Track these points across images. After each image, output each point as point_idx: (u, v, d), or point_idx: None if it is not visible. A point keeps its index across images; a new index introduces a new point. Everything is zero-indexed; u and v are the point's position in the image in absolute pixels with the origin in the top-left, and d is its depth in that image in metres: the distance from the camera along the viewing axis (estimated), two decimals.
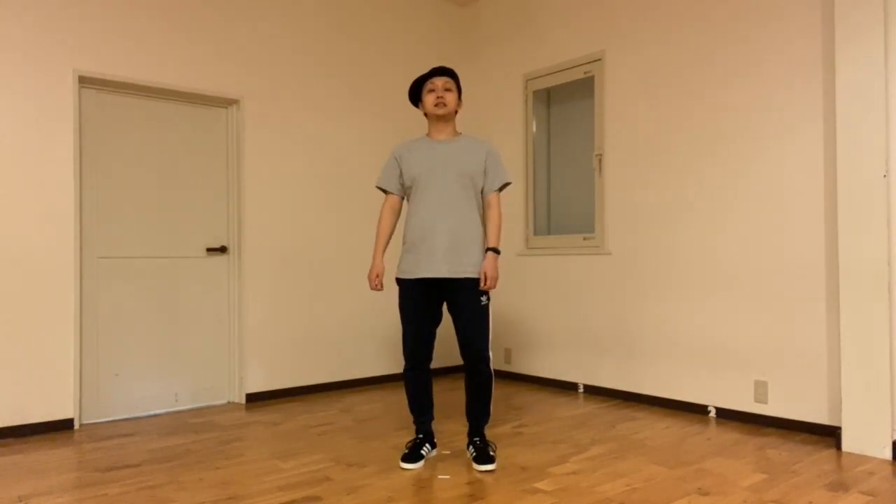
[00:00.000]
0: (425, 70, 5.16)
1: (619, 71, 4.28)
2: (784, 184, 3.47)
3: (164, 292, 3.98)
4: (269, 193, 4.31)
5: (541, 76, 4.83)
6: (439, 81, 2.90)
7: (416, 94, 3.00)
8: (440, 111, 2.88)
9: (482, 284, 2.84)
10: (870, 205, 3.01)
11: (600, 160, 4.41)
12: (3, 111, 3.37)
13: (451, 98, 2.90)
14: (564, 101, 4.84)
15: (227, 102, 4.23)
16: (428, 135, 2.98)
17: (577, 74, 4.58)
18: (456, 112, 2.97)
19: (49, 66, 3.50)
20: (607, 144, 4.36)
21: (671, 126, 3.99)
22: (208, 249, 4.17)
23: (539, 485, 2.62)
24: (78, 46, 3.59)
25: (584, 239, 4.51)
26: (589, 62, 4.48)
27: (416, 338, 2.90)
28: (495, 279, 2.86)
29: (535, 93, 4.92)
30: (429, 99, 2.90)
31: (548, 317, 4.72)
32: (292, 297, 4.41)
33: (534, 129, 4.93)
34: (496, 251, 2.88)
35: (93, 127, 3.74)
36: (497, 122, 5.16)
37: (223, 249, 4.22)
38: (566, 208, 4.80)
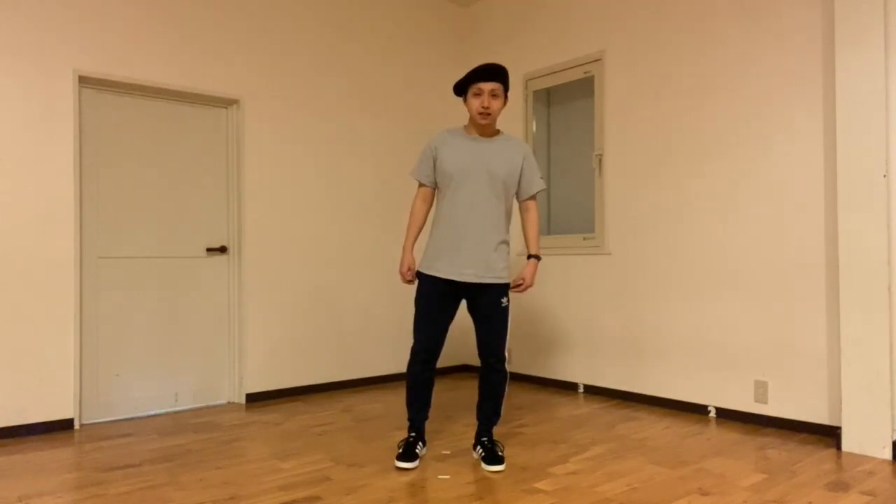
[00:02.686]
0: (425, 69, 5.17)
1: (619, 71, 4.28)
2: (784, 183, 3.47)
3: (164, 292, 3.98)
4: (269, 193, 4.31)
5: (541, 76, 4.83)
6: (487, 87, 2.78)
7: (462, 88, 2.88)
8: (484, 121, 2.81)
9: (517, 290, 2.93)
10: (870, 205, 3.01)
11: (600, 160, 4.41)
12: (3, 111, 3.37)
13: (496, 106, 2.81)
14: (564, 101, 4.84)
15: (227, 102, 4.23)
16: (467, 129, 2.92)
17: (577, 74, 4.58)
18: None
19: (49, 66, 3.50)
20: (607, 144, 4.36)
21: (671, 126, 3.99)
22: (208, 249, 4.17)
23: (539, 485, 2.62)
24: (78, 46, 3.59)
25: (584, 239, 4.51)
26: (589, 62, 4.48)
27: (429, 333, 2.89)
28: (531, 286, 2.94)
29: (535, 93, 4.92)
30: (473, 104, 2.81)
31: (548, 317, 4.72)
32: (292, 296, 4.41)
33: (534, 129, 4.93)
34: (538, 258, 2.93)
35: (93, 127, 3.74)
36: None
37: (223, 249, 4.22)
38: (566, 208, 4.80)
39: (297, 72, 4.47)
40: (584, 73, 4.53)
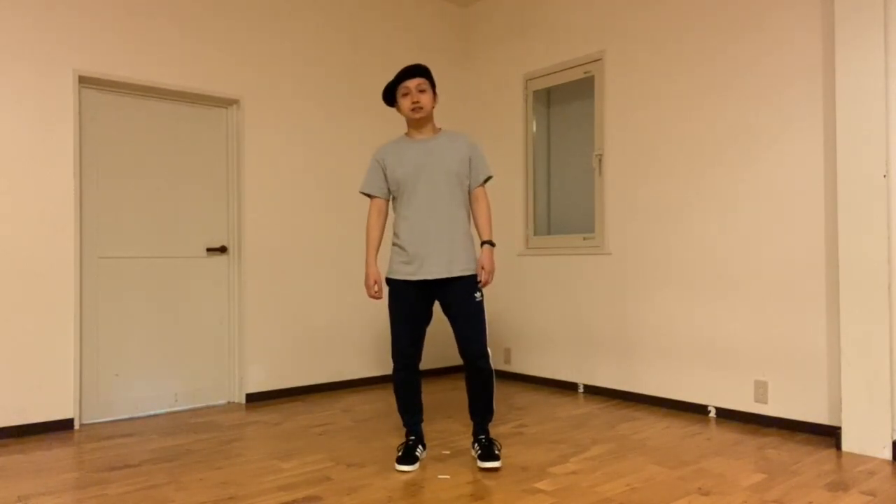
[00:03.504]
0: None
1: (619, 71, 4.28)
2: (784, 184, 3.47)
3: (164, 292, 3.98)
4: (269, 193, 4.32)
5: (541, 76, 4.83)
6: (412, 83, 2.83)
7: (390, 96, 2.94)
8: (417, 115, 2.84)
9: (480, 279, 2.85)
10: (870, 205, 3.01)
11: (600, 160, 4.41)
12: (3, 111, 3.37)
13: (426, 99, 2.85)
14: (564, 101, 4.84)
15: (227, 102, 4.23)
16: (407, 134, 2.95)
17: (577, 74, 4.58)
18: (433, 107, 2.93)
19: (49, 66, 3.50)
20: (607, 144, 4.36)
21: (671, 126, 3.99)
22: (208, 249, 4.17)
23: (539, 485, 2.62)
24: (78, 46, 3.60)
25: (584, 239, 4.51)
26: (589, 62, 4.48)
27: (407, 338, 2.88)
28: (493, 272, 2.87)
29: (535, 93, 4.92)
30: (404, 103, 2.86)
31: (548, 317, 4.72)
32: (292, 297, 4.41)
33: (534, 129, 4.93)
34: (491, 244, 2.89)
35: (93, 127, 3.74)
36: (497, 122, 5.16)
37: (223, 249, 4.22)
38: (566, 208, 4.80)
39: (297, 72, 4.47)
40: (584, 73, 4.52)
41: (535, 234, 4.89)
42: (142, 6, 3.82)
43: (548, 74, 4.78)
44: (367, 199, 4.80)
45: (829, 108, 3.31)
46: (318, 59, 4.58)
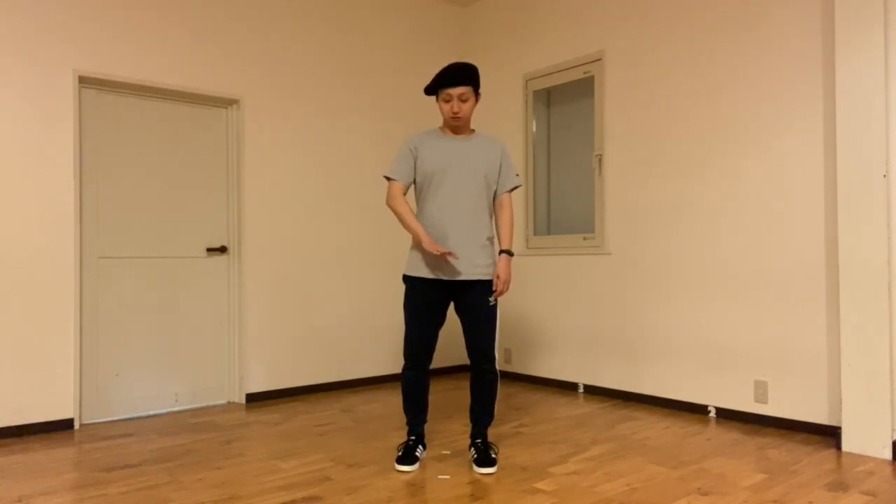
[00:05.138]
0: (425, 69, 5.16)
1: (619, 71, 4.28)
2: (784, 183, 3.47)
3: (164, 292, 3.98)
4: (269, 193, 4.31)
5: (541, 76, 4.83)
6: (455, 92, 2.78)
7: (433, 89, 2.88)
8: (455, 123, 2.85)
9: (496, 288, 2.84)
10: (870, 205, 3.01)
11: (600, 160, 4.41)
12: (3, 111, 3.37)
13: (467, 108, 2.82)
14: (564, 101, 4.84)
15: (227, 102, 4.23)
16: (442, 129, 2.94)
17: (576, 74, 4.58)
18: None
19: (49, 66, 3.50)
20: (607, 144, 4.36)
21: (671, 126, 3.99)
22: (208, 249, 4.17)
23: (539, 485, 2.62)
24: (78, 46, 3.60)
25: (584, 239, 4.51)
26: (589, 62, 4.48)
27: (420, 337, 2.88)
28: (508, 283, 2.86)
29: (535, 93, 4.92)
30: (445, 108, 2.83)
31: (548, 317, 4.72)
32: (292, 296, 4.41)
33: (534, 129, 4.93)
34: (510, 253, 2.87)
35: (93, 127, 3.74)
36: (497, 122, 5.16)
37: (223, 249, 4.22)
38: (566, 208, 4.80)
39: (298, 72, 4.47)
40: (584, 73, 4.52)
41: (535, 234, 4.89)
42: (142, 6, 3.82)
43: (548, 74, 4.78)
44: (370, 199, 4.79)
45: (829, 108, 3.31)
46: (317, 58, 4.58)
